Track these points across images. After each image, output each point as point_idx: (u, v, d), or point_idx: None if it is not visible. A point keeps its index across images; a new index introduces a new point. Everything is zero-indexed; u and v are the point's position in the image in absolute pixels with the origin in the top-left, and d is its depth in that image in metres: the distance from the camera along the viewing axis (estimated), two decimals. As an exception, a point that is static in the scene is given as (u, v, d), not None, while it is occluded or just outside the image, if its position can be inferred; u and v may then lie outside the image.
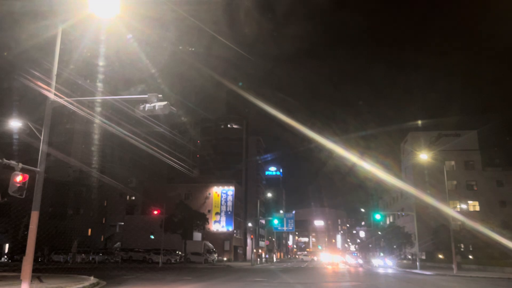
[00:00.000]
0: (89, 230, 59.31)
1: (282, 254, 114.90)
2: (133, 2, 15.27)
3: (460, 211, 51.82)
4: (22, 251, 13.39)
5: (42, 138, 12.93)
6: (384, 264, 54.28)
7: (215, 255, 53.82)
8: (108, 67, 48.44)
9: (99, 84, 52.86)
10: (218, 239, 64.75)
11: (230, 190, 69.17)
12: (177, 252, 49.31)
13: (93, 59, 45.42)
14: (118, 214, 66.55)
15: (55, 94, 13.22)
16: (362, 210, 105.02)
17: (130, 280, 20.35)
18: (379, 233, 68.83)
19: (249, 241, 73.69)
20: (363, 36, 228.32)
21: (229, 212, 68.37)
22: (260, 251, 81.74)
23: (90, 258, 44.46)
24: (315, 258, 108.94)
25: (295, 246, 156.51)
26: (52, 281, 17.33)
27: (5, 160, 12.00)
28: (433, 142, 58.41)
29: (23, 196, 12.21)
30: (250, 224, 70.94)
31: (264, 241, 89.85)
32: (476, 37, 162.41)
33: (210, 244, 54.62)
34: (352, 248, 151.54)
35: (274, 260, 77.78)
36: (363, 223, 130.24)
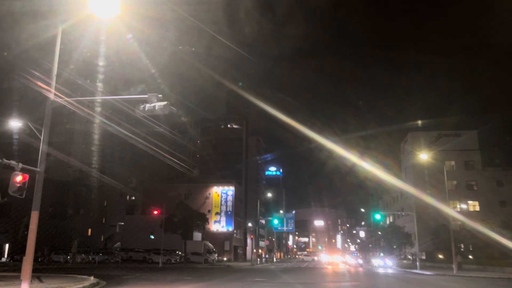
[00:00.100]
0: (89, 230, 59.33)
1: (282, 254, 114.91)
2: (133, 2, 15.27)
3: (460, 211, 51.81)
4: (22, 251, 13.39)
5: (42, 138, 12.93)
6: (384, 264, 54.28)
7: (215, 255, 53.81)
8: (108, 67, 48.47)
9: (99, 84, 52.88)
10: (218, 239, 64.75)
11: (230, 190, 69.17)
12: (177, 252, 49.31)
13: (93, 59, 45.45)
14: (118, 214, 66.56)
15: (55, 94, 13.22)
16: (362, 210, 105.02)
17: (130, 280, 20.35)
18: (379, 233, 68.83)
19: (249, 241, 73.69)
20: (363, 36, 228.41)
21: (229, 212, 68.37)
22: (260, 251, 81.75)
23: (90, 258, 44.45)
24: (316, 258, 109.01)
25: (295, 246, 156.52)
26: (52, 281, 17.33)
27: (5, 160, 12.00)
28: (433, 142, 58.39)
29: (23, 196, 12.21)
30: (250, 224, 70.94)
31: (264, 241, 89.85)
32: (476, 37, 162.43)
33: (210, 244, 54.62)
34: (352, 248, 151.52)
35: (274, 260, 77.78)
36: (363, 223, 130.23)
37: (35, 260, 23.43)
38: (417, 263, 39.66)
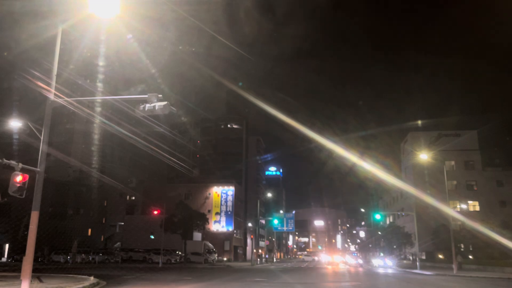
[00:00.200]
0: (89, 230, 59.34)
1: (282, 254, 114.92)
2: (133, 2, 15.27)
3: (460, 211, 51.81)
4: (22, 251, 13.39)
5: (42, 138, 12.93)
6: (384, 264, 54.27)
7: (215, 255, 53.81)
8: (108, 67, 48.51)
9: (99, 84, 52.92)
10: (218, 239, 64.74)
11: (230, 190, 69.17)
12: (177, 252, 49.31)
13: (93, 59, 45.49)
14: (118, 214, 66.57)
15: (55, 94, 13.22)
16: (362, 210, 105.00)
17: (130, 280, 20.35)
18: (379, 233, 68.82)
19: (249, 241, 73.69)
20: (363, 36, 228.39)
21: (229, 212, 68.37)
22: (260, 251, 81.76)
23: (90, 258, 44.45)
24: (316, 258, 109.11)
25: (295, 246, 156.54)
26: (52, 281, 17.33)
27: (5, 160, 12.00)
28: (433, 142, 58.39)
29: (23, 196, 12.21)
30: (250, 224, 70.93)
31: (264, 241, 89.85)
32: (476, 37, 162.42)
33: (210, 244, 54.61)
34: (352, 248, 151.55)
35: (274, 260, 77.77)
36: (363, 223, 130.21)
37: (35, 260, 23.41)
38: (417, 263, 39.64)
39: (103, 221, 64.52)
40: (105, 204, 64.58)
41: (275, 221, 62.16)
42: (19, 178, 11.95)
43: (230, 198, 68.76)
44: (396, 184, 59.40)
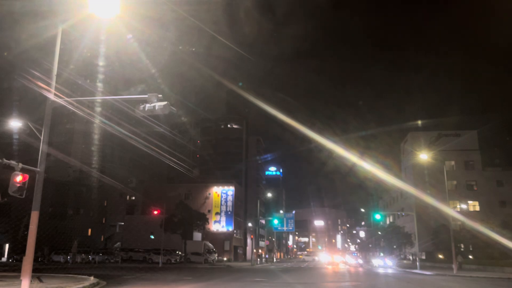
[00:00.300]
0: (89, 230, 59.34)
1: (282, 254, 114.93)
2: (133, 2, 15.27)
3: (460, 211, 51.82)
4: (22, 251, 13.39)
5: (42, 138, 12.92)
6: (384, 264, 54.27)
7: (215, 255, 53.80)
8: (108, 67, 48.51)
9: (99, 84, 52.92)
10: (218, 239, 64.73)
11: (230, 190, 69.17)
12: (177, 252, 49.31)
13: (93, 59, 45.49)
14: (118, 214, 66.57)
15: (55, 94, 13.21)
16: (362, 210, 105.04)
17: (130, 280, 20.36)
18: (379, 233, 68.82)
19: (249, 241, 73.69)
20: (363, 36, 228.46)
21: (229, 212, 68.37)
22: (260, 251, 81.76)
23: (90, 258, 44.44)
24: (316, 258, 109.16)
25: (295, 246, 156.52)
26: (52, 281, 17.33)
27: (5, 160, 12.00)
28: (433, 142, 58.40)
29: (23, 196, 12.21)
30: (250, 224, 70.93)
31: (264, 241, 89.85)
32: (476, 37, 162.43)
33: (210, 244, 54.61)
34: (352, 248, 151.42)
35: (274, 260, 77.78)
36: (363, 223, 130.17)
37: (35, 260, 23.42)
38: (417, 263, 39.65)
39: (103, 221, 64.52)
40: (105, 204, 64.59)
41: (275, 221, 62.18)
42: (19, 178, 11.95)
43: (230, 198, 68.77)
44: (396, 184, 59.42)
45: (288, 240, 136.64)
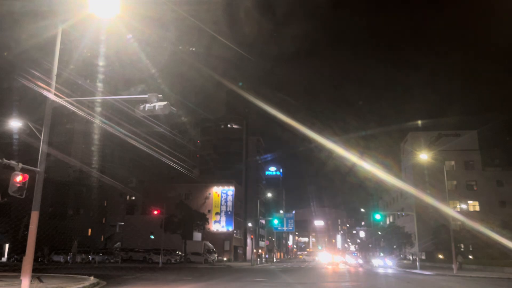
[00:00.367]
0: (89, 230, 59.35)
1: (282, 254, 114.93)
2: (133, 2, 15.27)
3: (460, 211, 51.83)
4: (22, 251, 13.38)
5: (42, 138, 12.92)
6: (384, 264, 54.28)
7: (215, 255, 53.80)
8: (108, 67, 48.51)
9: (99, 84, 52.91)
10: (218, 239, 64.72)
11: (230, 190, 69.17)
12: (177, 252, 49.32)
13: (93, 59, 45.49)
14: (118, 214, 66.58)
15: (55, 94, 13.21)
16: (362, 210, 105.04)
17: (130, 280, 20.36)
18: (379, 233, 68.84)
19: (249, 241, 73.68)
20: (363, 36, 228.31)
21: (229, 212, 68.37)
22: (260, 251, 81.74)
23: (90, 258, 44.45)
24: (316, 258, 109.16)
25: (295, 246, 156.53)
26: (52, 281, 17.33)
27: (5, 160, 11.99)
28: (433, 142, 58.41)
29: (23, 196, 12.20)
30: (250, 224, 70.92)
31: (264, 241, 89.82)
32: (476, 37, 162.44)
33: (210, 244, 54.61)
34: (352, 248, 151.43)
35: (274, 260, 77.78)
36: (363, 223, 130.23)
37: (35, 260, 23.42)
38: (417, 263, 39.65)
39: (103, 221, 64.53)
40: (105, 204, 64.61)
41: (275, 221, 62.19)
42: (19, 178, 11.95)
43: (230, 198, 68.76)
44: (396, 184, 59.43)
45: (288, 240, 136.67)
